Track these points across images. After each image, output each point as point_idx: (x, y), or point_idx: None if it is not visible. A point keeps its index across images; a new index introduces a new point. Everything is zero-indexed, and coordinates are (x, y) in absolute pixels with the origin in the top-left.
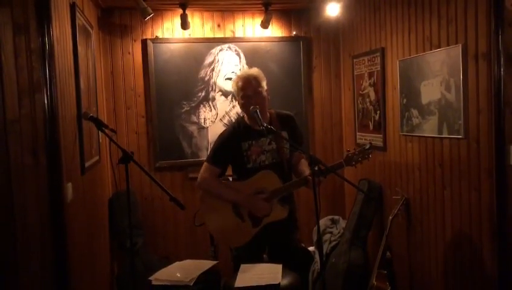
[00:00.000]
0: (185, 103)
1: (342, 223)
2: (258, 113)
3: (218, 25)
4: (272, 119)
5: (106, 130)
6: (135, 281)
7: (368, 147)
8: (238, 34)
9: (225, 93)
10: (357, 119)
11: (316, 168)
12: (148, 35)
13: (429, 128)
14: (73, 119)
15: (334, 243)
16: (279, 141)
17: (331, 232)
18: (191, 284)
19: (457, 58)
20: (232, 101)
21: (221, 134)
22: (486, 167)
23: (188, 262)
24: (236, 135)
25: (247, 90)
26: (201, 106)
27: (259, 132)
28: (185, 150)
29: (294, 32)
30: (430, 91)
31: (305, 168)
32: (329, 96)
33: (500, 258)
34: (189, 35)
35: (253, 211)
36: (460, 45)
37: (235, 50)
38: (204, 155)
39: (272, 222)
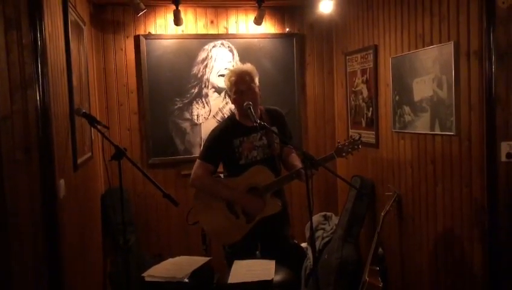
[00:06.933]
0: (177, 99)
1: (335, 220)
2: (252, 109)
3: (212, 21)
4: (262, 115)
5: (99, 127)
6: (128, 278)
7: (357, 138)
8: (231, 30)
9: (218, 90)
10: (349, 116)
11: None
12: (141, 31)
13: (421, 125)
14: (65, 116)
15: (326, 239)
16: (270, 137)
17: (323, 229)
18: (184, 280)
19: (449, 55)
20: (225, 97)
21: (213, 131)
22: (478, 164)
23: (181, 258)
24: (227, 131)
25: (240, 85)
26: (194, 102)
27: (250, 128)
28: (178, 147)
29: (287, 29)
30: (422, 88)
31: (296, 161)
32: (322, 93)
33: (491, 254)
34: (182, 31)
35: (247, 209)
36: (452, 42)
37: (228, 46)
38: (197, 152)
39: (266, 216)
